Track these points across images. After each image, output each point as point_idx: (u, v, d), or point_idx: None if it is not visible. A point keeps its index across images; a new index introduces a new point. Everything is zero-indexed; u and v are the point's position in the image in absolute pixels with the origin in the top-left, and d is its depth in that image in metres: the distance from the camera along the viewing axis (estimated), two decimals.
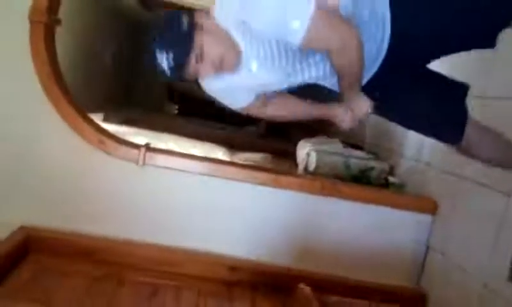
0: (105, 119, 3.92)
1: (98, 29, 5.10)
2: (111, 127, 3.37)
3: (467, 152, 1.68)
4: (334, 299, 1.72)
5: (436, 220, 2.79)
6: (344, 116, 1.52)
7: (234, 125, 7.43)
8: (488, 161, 1.83)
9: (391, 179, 3.16)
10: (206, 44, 1.30)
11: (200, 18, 1.32)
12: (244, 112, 1.64)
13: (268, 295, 2.53)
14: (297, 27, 1.22)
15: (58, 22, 2.56)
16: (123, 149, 2.60)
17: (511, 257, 2.09)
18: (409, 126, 1.93)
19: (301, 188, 2.70)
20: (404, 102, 1.53)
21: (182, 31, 1.28)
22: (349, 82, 1.38)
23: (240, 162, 3.50)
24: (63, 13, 2.65)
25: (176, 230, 2.66)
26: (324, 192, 2.73)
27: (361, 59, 1.30)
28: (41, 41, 2.44)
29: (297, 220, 2.75)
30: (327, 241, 2.78)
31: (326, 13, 1.25)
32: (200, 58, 1.31)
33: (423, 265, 2.83)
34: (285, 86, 1.50)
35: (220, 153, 3.85)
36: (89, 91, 4.45)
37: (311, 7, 1.22)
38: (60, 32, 2.68)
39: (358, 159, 3.33)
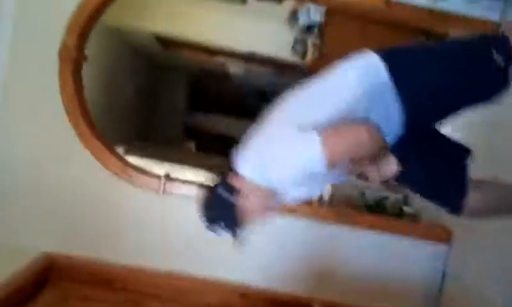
0: (127, 152, 4.05)
1: (121, 67, 5.31)
2: (132, 159, 3.48)
3: (473, 217, 1.71)
4: None
5: (452, 248, 2.80)
6: (374, 172, 1.55)
7: None
8: (496, 216, 1.81)
9: (405, 209, 3.19)
10: (248, 204, 1.42)
11: (231, 181, 1.42)
12: None
13: None
14: (315, 160, 1.29)
15: (85, 58, 2.72)
16: (145, 179, 2.70)
17: None
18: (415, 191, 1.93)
19: (315, 217, 2.74)
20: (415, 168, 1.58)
21: (224, 204, 1.43)
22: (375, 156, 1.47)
23: None
24: (89, 50, 2.82)
25: (192, 258, 2.72)
26: (339, 221, 2.77)
27: (380, 140, 1.36)
28: (69, 76, 2.60)
29: (311, 249, 2.79)
30: (341, 270, 2.80)
31: (330, 131, 1.31)
32: (247, 215, 1.45)
33: (440, 294, 2.82)
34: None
35: None
36: (112, 125, 4.61)
37: (316, 137, 1.29)
38: (86, 69, 2.85)
39: (372, 190, 3.37)
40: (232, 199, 1.42)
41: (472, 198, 1.56)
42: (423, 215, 3.14)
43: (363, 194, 3.27)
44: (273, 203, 1.46)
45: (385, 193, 3.31)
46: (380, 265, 2.83)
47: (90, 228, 2.66)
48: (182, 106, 7.92)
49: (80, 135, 2.61)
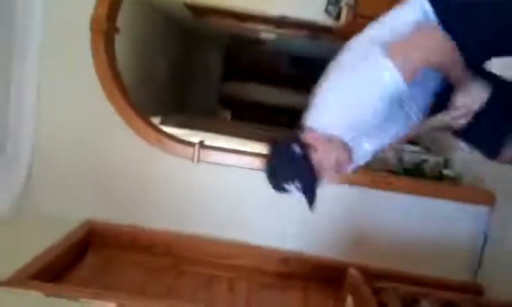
0: (162, 122, 4.10)
1: (154, 37, 5.33)
2: (167, 129, 3.52)
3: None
4: (385, 284, 1.72)
5: (494, 211, 2.71)
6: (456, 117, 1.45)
7: (286, 126, 7.51)
8: None
9: (445, 172, 3.09)
10: (321, 158, 1.35)
11: (303, 138, 1.36)
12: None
13: (320, 286, 2.56)
14: (390, 78, 1.24)
15: (117, 30, 2.73)
16: (179, 147, 2.73)
17: None
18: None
19: (350, 181, 2.70)
20: None
21: (300, 162, 1.35)
22: (456, 75, 1.36)
23: None
24: (121, 21, 2.83)
25: (229, 224, 2.75)
26: (374, 185, 2.72)
27: (451, 48, 1.29)
28: (102, 49, 2.62)
29: (349, 214, 2.77)
30: (380, 235, 2.77)
31: (394, 44, 1.26)
32: (321, 171, 1.38)
33: (481, 258, 2.75)
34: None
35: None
36: (147, 96, 4.67)
37: (382, 57, 1.24)
38: (119, 40, 2.87)
39: (411, 153, 3.28)
40: (307, 155, 1.34)
41: None
42: (464, 178, 3.04)
43: (400, 158, 3.20)
44: (346, 158, 1.40)
45: (424, 156, 3.22)
46: (420, 230, 2.78)
47: (129, 197, 2.72)
48: (216, 75, 7.92)
49: (115, 105, 2.64)
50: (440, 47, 1.27)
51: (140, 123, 2.67)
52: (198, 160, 2.70)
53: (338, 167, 1.39)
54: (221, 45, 7.71)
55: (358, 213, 2.79)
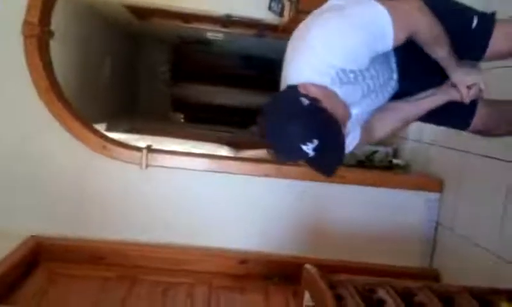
0: (108, 129, 3.95)
1: (95, 41, 5.15)
2: (114, 135, 3.40)
3: (485, 133, 1.64)
4: (342, 277, 1.71)
5: (444, 197, 2.78)
6: (458, 93, 1.40)
7: (239, 126, 7.49)
8: (508, 133, 1.77)
9: (395, 161, 3.16)
10: (332, 111, 1.14)
11: (307, 90, 1.15)
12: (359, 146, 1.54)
13: (280, 285, 2.54)
14: (384, 25, 1.17)
15: (51, 34, 2.60)
16: (126, 153, 2.63)
17: None
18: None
19: (304, 177, 2.70)
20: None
21: (311, 113, 1.11)
22: (443, 54, 1.32)
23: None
24: (58, 25, 2.70)
25: (184, 228, 2.68)
26: (328, 179, 2.72)
27: (434, 24, 1.25)
28: (35, 54, 2.49)
29: (303, 209, 2.76)
30: (335, 227, 2.78)
31: (392, 6, 1.18)
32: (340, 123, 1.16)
33: (434, 244, 2.82)
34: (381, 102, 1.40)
35: (224, 152, 3.86)
36: (92, 102, 4.50)
37: (383, 10, 1.16)
38: (56, 46, 2.73)
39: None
40: (319, 107, 1.10)
41: (482, 114, 1.52)
42: (413, 166, 3.11)
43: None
44: (348, 113, 1.20)
45: (374, 147, 3.27)
46: (374, 220, 2.81)
47: (74, 208, 2.60)
48: (165, 77, 7.77)
49: (53, 113, 2.52)
50: (433, 20, 1.24)
51: (82, 130, 2.55)
52: (147, 166, 2.61)
53: (343, 121, 1.18)
54: (169, 46, 7.57)
55: (314, 208, 2.79)
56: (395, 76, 1.40)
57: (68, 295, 2.23)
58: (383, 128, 1.48)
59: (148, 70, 7.46)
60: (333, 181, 2.73)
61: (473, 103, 1.49)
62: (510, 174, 2.18)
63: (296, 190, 2.73)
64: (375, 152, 3.20)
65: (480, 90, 1.41)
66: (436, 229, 2.81)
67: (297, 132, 1.07)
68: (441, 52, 1.32)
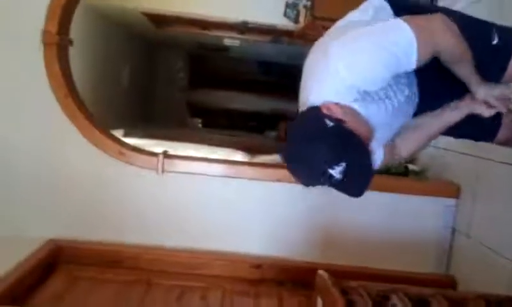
0: (126, 135, 4.01)
1: (113, 49, 5.24)
2: (131, 141, 3.45)
3: (508, 143, 1.63)
4: (355, 283, 1.71)
5: (460, 203, 2.75)
6: (480, 106, 1.36)
7: (256, 131, 7.52)
8: None
9: (411, 167, 3.13)
10: (357, 131, 1.11)
11: (330, 111, 1.11)
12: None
13: (294, 290, 2.54)
14: (408, 45, 1.12)
15: (70, 42, 2.66)
16: (143, 158, 2.67)
17: None
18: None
19: None
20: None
21: (338, 134, 1.08)
22: (465, 71, 1.29)
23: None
24: (77, 34, 2.76)
25: (199, 233, 2.70)
26: None
27: (460, 42, 1.21)
28: (55, 62, 2.55)
29: (317, 214, 2.76)
30: (349, 233, 2.77)
31: (417, 24, 1.14)
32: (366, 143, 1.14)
33: (450, 250, 2.78)
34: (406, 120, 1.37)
35: (239, 156, 3.88)
36: (110, 109, 4.58)
37: (409, 29, 1.11)
38: (75, 54, 2.79)
39: None
40: (344, 127, 1.07)
41: (507, 124, 1.50)
42: (429, 172, 3.08)
43: None
44: (371, 132, 1.16)
45: None
46: (389, 226, 2.79)
47: (93, 212, 2.64)
48: (183, 84, 7.85)
49: (72, 119, 2.57)
50: (458, 39, 1.19)
51: (99, 136, 2.60)
52: (163, 171, 2.64)
53: (370, 141, 1.14)
54: (186, 53, 7.65)
55: (328, 214, 2.79)
56: (416, 92, 1.37)
57: (84, 299, 2.27)
58: (406, 147, 1.46)
59: (166, 76, 7.54)
60: None
61: (498, 115, 1.46)
62: None
63: (310, 196, 2.73)
64: None
65: (508, 103, 1.37)
66: (452, 235, 2.78)
67: (323, 155, 1.03)
68: (464, 70, 1.29)
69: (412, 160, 3.32)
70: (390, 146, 1.40)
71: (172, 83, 7.61)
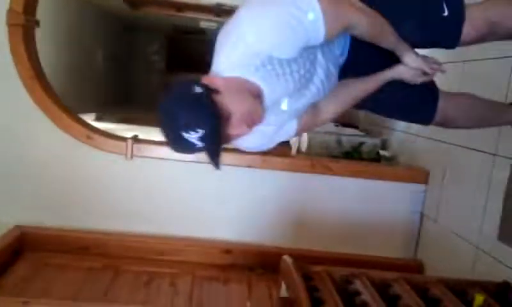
0: (98, 119, 3.95)
1: (86, 31, 5.12)
2: (103, 125, 3.40)
3: (444, 125, 1.68)
4: (318, 268, 1.72)
5: (429, 189, 2.79)
6: (408, 70, 1.40)
7: None
8: (467, 126, 1.81)
9: (382, 153, 3.16)
10: (230, 104, 1.11)
11: (210, 81, 1.13)
12: (300, 134, 1.47)
13: (263, 275, 2.55)
14: (315, 24, 1.13)
15: (37, 23, 2.59)
16: (111, 143, 2.63)
17: (500, 216, 2.09)
18: (379, 113, 1.87)
19: (290, 168, 2.70)
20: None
21: (199, 100, 1.07)
22: (389, 43, 1.34)
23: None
24: (48, 16, 2.68)
25: (168, 219, 2.69)
26: (314, 170, 2.73)
27: (373, 16, 1.25)
28: (20, 43, 2.48)
29: (288, 200, 2.77)
30: (319, 218, 2.79)
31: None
32: (229, 121, 1.12)
33: (418, 235, 2.83)
34: (320, 95, 1.35)
35: None
36: (80, 92, 4.48)
37: (316, 2, 1.12)
38: (47, 36, 2.72)
39: (349, 136, 3.33)
40: (211, 97, 1.08)
41: (445, 104, 1.57)
42: (400, 158, 3.11)
43: (339, 141, 3.23)
44: (259, 110, 1.16)
45: (362, 139, 3.27)
46: (359, 211, 2.82)
47: (59, 197, 2.60)
48: (160, 67, 7.74)
49: (38, 103, 2.51)
50: (369, 15, 1.24)
51: (67, 120, 2.55)
52: (132, 156, 2.61)
53: (250, 119, 1.13)
54: (163, 36, 7.54)
55: (298, 200, 2.79)
56: (340, 61, 1.39)
57: (51, 285, 2.24)
58: (331, 109, 1.45)
59: (143, 59, 7.44)
60: (318, 173, 2.74)
61: (435, 98, 1.55)
62: (492, 167, 2.18)
63: (281, 181, 2.74)
64: (362, 144, 3.20)
65: (438, 69, 1.43)
66: (420, 220, 2.82)
67: (181, 118, 1.05)
68: (387, 42, 1.34)
69: (384, 145, 3.35)
70: (312, 112, 1.39)
71: (149, 66, 7.50)
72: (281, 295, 1.72)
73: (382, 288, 1.67)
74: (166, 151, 2.65)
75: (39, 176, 2.58)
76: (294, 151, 3.46)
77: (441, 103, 1.57)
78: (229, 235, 2.72)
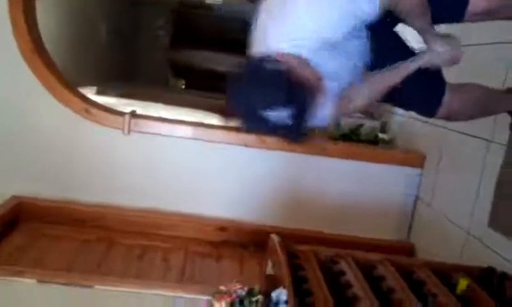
0: (99, 93, 3.95)
1: (91, 3, 5.09)
2: (103, 99, 3.40)
3: (448, 119, 1.66)
4: (304, 247, 1.74)
5: (425, 173, 2.79)
6: (437, 56, 1.36)
7: None
8: (470, 118, 1.79)
9: (381, 136, 3.15)
10: (305, 79, 1.16)
11: (284, 60, 1.16)
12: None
13: (255, 252, 2.58)
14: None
15: None
16: (109, 117, 2.65)
17: (492, 202, 2.09)
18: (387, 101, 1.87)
19: (286, 148, 2.70)
20: None
21: (282, 81, 1.11)
22: (422, 25, 1.32)
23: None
24: None
25: (165, 194, 2.72)
26: (310, 151, 2.74)
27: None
28: (20, 15, 2.47)
29: (284, 180, 2.78)
30: (314, 199, 2.80)
31: None
32: (314, 91, 1.18)
33: (412, 218, 2.84)
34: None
35: (214, 120, 3.86)
36: (83, 66, 4.48)
37: None
38: (50, 9, 2.71)
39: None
40: (286, 71, 1.11)
41: (449, 101, 1.54)
42: (398, 141, 3.11)
43: (338, 124, 3.22)
44: (320, 77, 1.20)
45: (360, 121, 3.26)
46: (354, 193, 2.83)
47: (57, 170, 2.64)
48: (165, 42, 7.69)
49: (37, 75, 2.52)
50: None
51: (65, 93, 2.57)
52: (129, 131, 2.62)
53: (320, 85, 1.18)
54: (168, 11, 7.47)
55: (294, 179, 2.81)
56: (368, 49, 1.40)
57: (45, 255, 2.29)
58: (360, 97, 1.46)
59: (147, 34, 7.38)
60: (314, 154, 2.75)
61: (441, 92, 1.53)
62: (487, 153, 2.18)
63: (277, 161, 2.75)
64: (360, 126, 3.19)
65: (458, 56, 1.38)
66: (415, 204, 2.83)
67: (263, 96, 1.08)
68: (421, 24, 1.32)
69: (383, 128, 3.34)
70: (343, 99, 1.39)
71: (154, 41, 7.45)
72: (268, 273, 1.75)
73: (367, 269, 1.69)
74: (163, 128, 2.69)
75: (37, 147, 2.61)
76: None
77: (447, 97, 1.54)
78: (224, 212, 2.75)
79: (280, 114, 1.08)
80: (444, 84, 1.56)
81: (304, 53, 1.19)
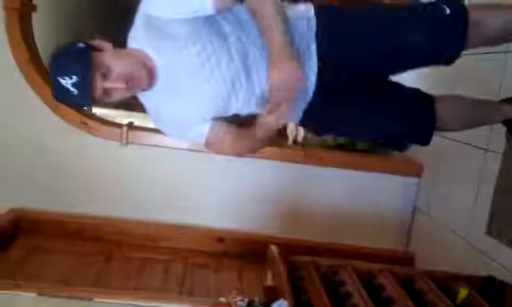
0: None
1: (83, 17, 5.11)
2: (101, 111, 3.40)
3: (441, 130, 1.68)
4: (304, 258, 1.74)
5: (422, 182, 2.80)
6: (266, 118, 1.24)
7: None
8: (462, 129, 1.81)
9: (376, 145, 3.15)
10: (110, 61, 1.24)
11: (99, 43, 1.29)
12: (210, 148, 1.45)
13: (254, 263, 2.57)
14: None
15: (33, 7, 2.59)
16: (106, 129, 2.65)
17: (489, 210, 2.10)
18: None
19: (283, 158, 2.72)
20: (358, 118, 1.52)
21: (79, 52, 1.22)
22: (266, 25, 1.21)
23: None
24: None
25: (163, 206, 2.71)
26: (306, 161, 2.74)
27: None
28: (17, 28, 2.49)
29: (281, 190, 2.79)
30: (312, 209, 2.81)
31: None
32: (106, 76, 1.22)
33: (411, 228, 2.85)
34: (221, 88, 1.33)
35: None
36: None
37: None
38: (41, 19, 2.72)
39: None
40: (91, 53, 1.24)
41: (441, 111, 1.56)
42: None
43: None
44: (142, 75, 1.27)
45: None
46: (352, 202, 2.84)
47: (55, 183, 2.63)
48: None
49: (34, 87, 2.52)
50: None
51: (63, 106, 2.55)
52: (127, 142, 2.62)
53: (130, 80, 1.24)
54: None
55: (292, 190, 2.81)
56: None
57: (43, 268, 2.27)
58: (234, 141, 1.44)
59: None
60: (311, 164, 2.76)
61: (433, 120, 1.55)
62: (483, 162, 2.19)
63: (274, 171, 2.75)
64: None
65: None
66: (413, 213, 2.84)
67: (60, 65, 1.20)
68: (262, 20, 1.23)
69: None
70: (225, 131, 1.42)
71: None
72: (267, 284, 1.75)
73: (367, 280, 1.69)
74: (161, 139, 2.69)
75: (34, 160, 2.61)
76: (290, 141, 3.47)
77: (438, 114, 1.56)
78: (223, 223, 2.74)
79: (68, 82, 1.19)
80: (433, 109, 1.56)
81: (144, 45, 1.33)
